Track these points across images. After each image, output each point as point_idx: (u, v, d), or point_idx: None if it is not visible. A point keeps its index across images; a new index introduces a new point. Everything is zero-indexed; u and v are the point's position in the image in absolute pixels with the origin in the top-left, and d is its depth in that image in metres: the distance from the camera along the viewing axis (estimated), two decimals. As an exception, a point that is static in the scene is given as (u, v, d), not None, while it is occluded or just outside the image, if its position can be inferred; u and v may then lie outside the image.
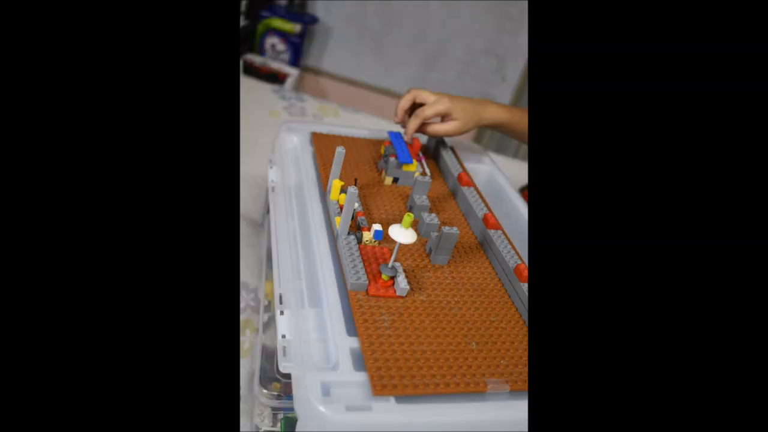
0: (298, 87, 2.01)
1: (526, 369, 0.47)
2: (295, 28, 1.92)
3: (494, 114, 0.75)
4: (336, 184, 0.60)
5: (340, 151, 0.60)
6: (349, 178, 0.67)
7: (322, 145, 0.73)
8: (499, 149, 2.18)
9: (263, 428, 0.58)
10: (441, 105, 0.70)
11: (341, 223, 0.55)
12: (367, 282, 0.50)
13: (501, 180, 0.79)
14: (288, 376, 0.55)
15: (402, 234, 0.48)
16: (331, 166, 0.62)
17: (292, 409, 0.57)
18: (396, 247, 0.51)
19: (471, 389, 0.44)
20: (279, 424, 0.58)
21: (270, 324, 0.65)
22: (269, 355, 0.60)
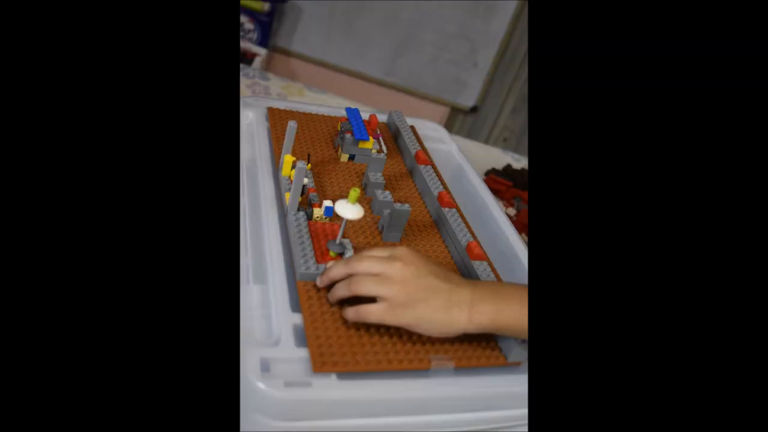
0: (267, 68, 1.97)
1: (472, 346, 0.47)
2: (264, 6, 1.88)
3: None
4: (288, 159, 0.59)
5: (291, 125, 0.58)
6: (304, 155, 0.65)
7: (278, 120, 0.71)
8: (470, 136, 2.18)
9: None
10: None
11: (290, 198, 0.54)
12: (317, 272, 0.49)
13: (461, 161, 0.78)
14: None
15: (348, 209, 0.47)
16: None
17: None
18: (343, 223, 0.50)
19: (415, 366, 0.44)
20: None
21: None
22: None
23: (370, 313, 0.44)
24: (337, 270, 0.47)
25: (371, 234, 0.56)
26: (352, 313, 0.45)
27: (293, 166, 0.58)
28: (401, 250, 0.46)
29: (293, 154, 0.61)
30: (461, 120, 2.21)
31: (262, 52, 1.87)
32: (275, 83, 1.24)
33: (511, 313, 0.43)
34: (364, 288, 0.44)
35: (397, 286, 0.44)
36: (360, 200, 0.50)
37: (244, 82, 1.20)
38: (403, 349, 0.45)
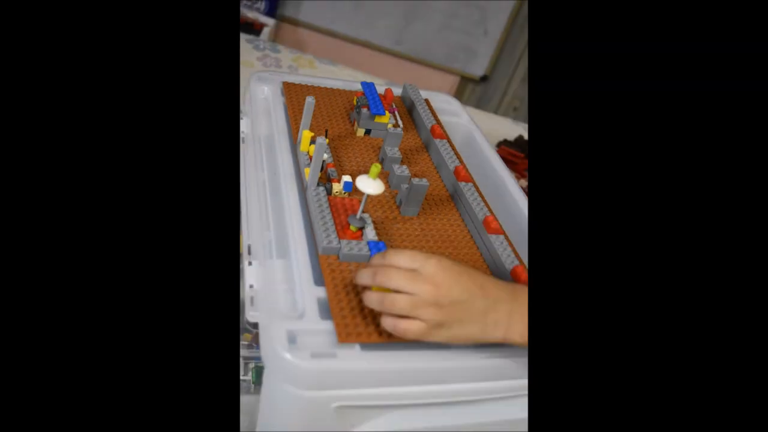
0: (275, 38, 1.95)
1: (491, 318, 0.48)
2: (272, -25, 1.85)
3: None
4: (306, 134, 0.59)
5: (309, 101, 0.59)
6: (320, 130, 0.66)
7: (294, 95, 0.71)
8: (480, 105, 2.17)
9: (234, 377, 0.59)
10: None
11: (310, 174, 0.54)
12: (339, 246, 0.50)
13: (476, 134, 0.79)
14: (257, 325, 0.55)
15: (369, 184, 0.48)
16: (302, 116, 0.61)
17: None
18: (364, 198, 0.50)
19: (435, 337, 0.45)
20: (250, 373, 0.59)
21: (240, 277, 0.65)
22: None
23: (409, 331, 0.42)
24: (364, 278, 0.45)
25: (389, 208, 0.57)
26: (389, 324, 0.43)
27: (312, 142, 0.59)
28: (430, 267, 0.42)
29: (310, 129, 0.61)
30: (471, 89, 2.19)
31: (270, 22, 1.85)
32: (285, 55, 1.23)
33: None
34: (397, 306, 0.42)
35: (431, 308, 0.42)
36: (379, 175, 0.50)
37: (255, 54, 1.19)
38: (424, 321, 0.46)
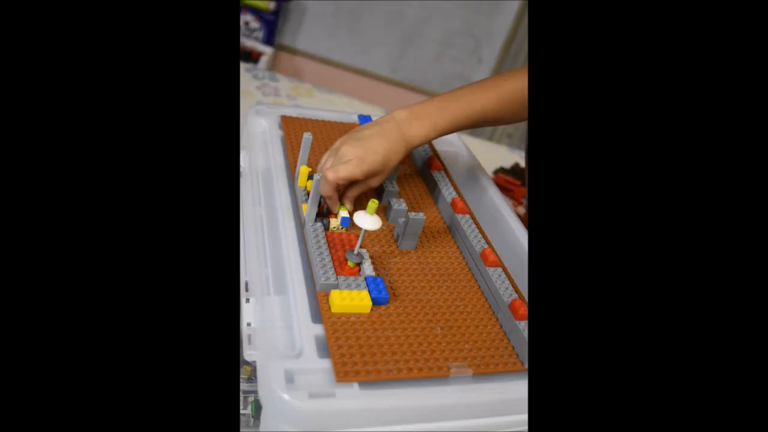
0: (273, 66, 1.98)
1: (490, 352, 0.48)
2: (270, 5, 1.88)
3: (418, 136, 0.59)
4: (303, 170, 0.60)
5: (307, 137, 0.59)
6: (317, 164, 0.66)
7: (292, 129, 0.72)
8: (475, 133, 2.19)
9: (232, 413, 0.58)
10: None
11: (308, 210, 0.55)
12: (336, 283, 0.50)
13: (473, 163, 0.79)
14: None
15: (367, 220, 0.48)
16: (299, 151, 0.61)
17: (260, 395, 0.57)
18: (362, 234, 0.51)
19: (434, 374, 0.45)
20: (249, 407, 0.59)
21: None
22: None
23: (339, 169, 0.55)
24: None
25: (387, 242, 0.58)
26: (331, 173, 0.55)
27: (310, 177, 0.59)
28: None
29: (308, 162, 0.62)
30: (467, 115, 2.21)
31: (268, 50, 1.88)
32: (284, 84, 1.24)
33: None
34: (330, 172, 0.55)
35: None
36: (377, 210, 0.51)
37: (253, 84, 1.21)
38: (423, 357, 0.46)
